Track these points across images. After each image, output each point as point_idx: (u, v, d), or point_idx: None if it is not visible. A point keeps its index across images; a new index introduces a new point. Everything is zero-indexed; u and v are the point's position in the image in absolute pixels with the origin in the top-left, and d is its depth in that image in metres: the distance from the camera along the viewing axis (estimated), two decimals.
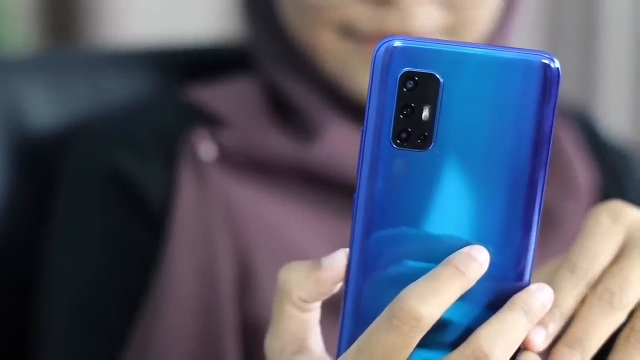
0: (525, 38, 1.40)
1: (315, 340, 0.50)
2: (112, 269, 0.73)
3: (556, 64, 0.47)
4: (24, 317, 0.82)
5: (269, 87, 0.78)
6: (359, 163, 0.47)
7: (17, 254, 0.81)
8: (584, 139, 0.84)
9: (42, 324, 0.75)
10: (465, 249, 0.47)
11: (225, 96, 0.77)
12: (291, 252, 0.72)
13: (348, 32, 0.72)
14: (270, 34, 0.77)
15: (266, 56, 0.77)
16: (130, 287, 0.72)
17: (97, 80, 0.85)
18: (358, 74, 0.73)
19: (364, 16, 0.71)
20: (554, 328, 0.50)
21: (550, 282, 0.52)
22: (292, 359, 0.49)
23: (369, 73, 0.47)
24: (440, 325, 0.47)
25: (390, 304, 0.46)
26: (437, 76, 0.47)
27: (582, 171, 0.80)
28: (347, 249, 0.49)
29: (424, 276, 0.46)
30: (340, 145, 0.74)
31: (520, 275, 0.48)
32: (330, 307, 0.70)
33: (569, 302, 0.51)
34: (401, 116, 0.47)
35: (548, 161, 0.48)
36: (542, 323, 0.49)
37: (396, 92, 0.47)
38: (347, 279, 0.48)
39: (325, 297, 0.49)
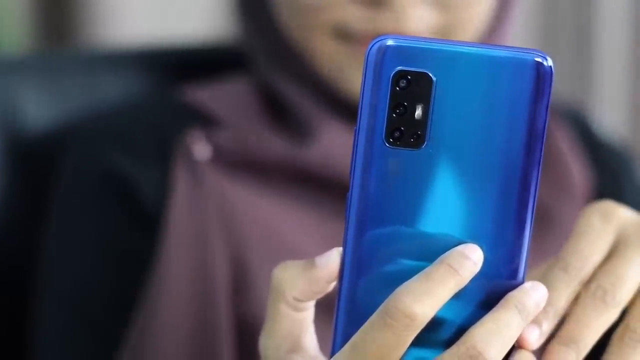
0: (520, 37, 1.40)
1: (310, 339, 0.50)
2: (108, 268, 0.73)
3: (549, 62, 0.47)
4: (20, 318, 0.82)
5: (264, 87, 0.78)
6: (352, 162, 0.47)
7: (13, 254, 0.81)
8: (578, 138, 0.84)
9: (39, 324, 0.75)
10: (458, 248, 0.47)
11: (220, 96, 0.77)
12: (285, 251, 0.72)
13: (342, 33, 0.72)
14: (264, 35, 0.77)
15: (260, 57, 0.77)
16: (126, 287, 0.72)
17: (92, 81, 0.85)
18: (352, 75, 0.73)
19: (357, 17, 0.71)
20: (547, 326, 0.50)
21: (543, 281, 0.52)
22: (286, 358, 0.49)
23: (362, 72, 0.47)
24: (434, 324, 0.48)
25: (384, 303, 0.46)
26: (430, 75, 0.47)
27: (576, 170, 0.80)
28: (341, 248, 0.49)
29: (418, 275, 0.46)
30: (334, 145, 0.74)
31: (514, 274, 0.48)
32: (325, 306, 0.70)
33: (563, 301, 0.51)
34: (394, 115, 0.47)
35: (541, 159, 0.48)
36: (536, 321, 0.50)
37: (389, 91, 0.47)
38: (341, 278, 0.48)
39: (319, 296, 0.49)
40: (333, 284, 0.49)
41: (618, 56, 1.35)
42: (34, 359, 0.76)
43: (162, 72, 0.87)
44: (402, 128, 0.47)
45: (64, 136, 0.82)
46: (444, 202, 0.47)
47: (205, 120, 0.76)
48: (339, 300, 0.48)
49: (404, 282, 0.46)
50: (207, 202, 0.72)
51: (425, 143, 0.47)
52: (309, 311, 0.50)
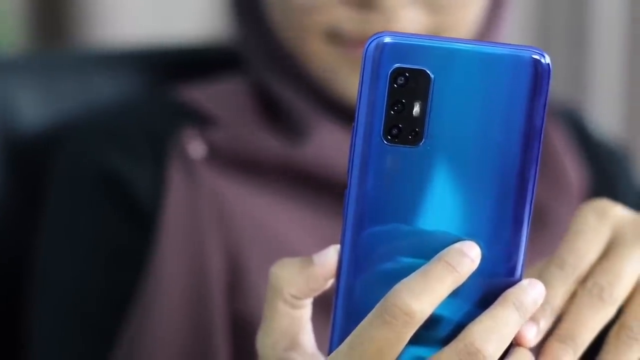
0: (514, 37, 1.40)
1: (307, 336, 0.50)
2: (103, 267, 0.73)
3: (547, 59, 0.47)
4: (15, 317, 0.82)
5: (258, 87, 0.78)
6: (350, 159, 0.47)
7: (7, 254, 0.81)
8: (574, 137, 0.84)
9: (33, 324, 0.75)
10: (456, 245, 0.47)
11: (215, 96, 0.77)
12: (281, 249, 0.72)
13: (334, 36, 0.72)
14: (258, 35, 0.77)
15: (255, 57, 0.77)
16: (121, 286, 0.72)
17: (86, 81, 0.84)
18: (345, 78, 0.73)
19: (348, 19, 0.71)
20: (545, 324, 0.51)
21: (540, 279, 0.52)
22: (284, 356, 0.49)
23: (360, 69, 0.47)
24: (432, 321, 0.47)
25: (382, 300, 0.46)
26: (428, 72, 0.47)
27: (572, 169, 0.80)
28: (339, 245, 0.48)
29: (416, 272, 0.46)
30: (329, 144, 0.74)
31: (511, 271, 0.48)
32: (322, 304, 0.70)
33: (559, 298, 0.51)
34: (392, 112, 0.47)
35: (539, 157, 0.48)
36: (533, 319, 0.50)
37: (387, 88, 0.47)
38: (338, 276, 0.48)
39: (316, 294, 0.49)
40: (331, 282, 0.49)
41: (613, 55, 1.35)
42: (30, 357, 0.76)
43: (157, 72, 0.87)
44: (400, 125, 0.47)
45: (58, 135, 0.82)
46: (442, 200, 0.47)
47: (200, 119, 0.76)
48: (336, 297, 0.48)
49: (401, 279, 0.46)
50: (202, 200, 0.72)
51: (423, 140, 0.47)
52: (306, 309, 0.50)
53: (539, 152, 0.48)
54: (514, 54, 0.47)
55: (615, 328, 0.52)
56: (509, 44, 0.47)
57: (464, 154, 0.47)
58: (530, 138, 0.47)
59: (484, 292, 0.48)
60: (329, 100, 0.76)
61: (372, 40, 0.47)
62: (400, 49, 0.46)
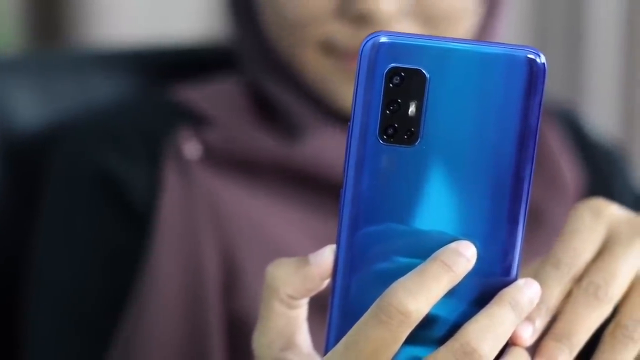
0: (511, 37, 1.40)
1: (303, 336, 0.50)
2: (99, 268, 0.73)
3: (542, 59, 0.47)
4: (11, 316, 0.82)
5: (254, 87, 0.78)
6: (345, 159, 0.47)
7: (4, 254, 0.81)
8: (570, 137, 0.84)
9: (30, 323, 0.75)
10: (452, 245, 0.47)
11: (211, 96, 0.77)
12: (276, 249, 0.72)
13: (328, 48, 0.72)
14: (254, 37, 0.77)
15: (250, 58, 0.77)
16: (117, 286, 0.72)
17: (82, 81, 0.84)
18: (340, 89, 0.73)
19: (342, 33, 0.71)
20: (541, 323, 0.51)
21: (535, 279, 0.52)
22: (280, 356, 0.49)
23: (355, 68, 0.47)
24: (428, 321, 0.47)
25: (378, 300, 0.46)
26: (424, 72, 0.47)
27: (568, 169, 0.81)
28: (334, 245, 0.48)
29: (412, 271, 0.46)
30: (324, 145, 0.74)
31: (507, 270, 0.48)
32: (318, 304, 0.70)
33: (555, 298, 0.51)
34: (388, 112, 0.47)
35: (534, 156, 0.48)
36: (529, 318, 0.50)
37: (382, 87, 0.47)
38: (334, 275, 0.48)
39: (312, 294, 0.49)
40: (327, 282, 0.49)
41: (610, 55, 1.35)
42: (26, 357, 0.76)
43: (153, 72, 0.87)
44: (396, 125, 0.47)
45: (55, 135, 0.82)
46: (438, 199, 0.47)
47: (195, 120, 0.76)
48: (332, 297, 0.48)
49: (397, 279, 0.46)
50: (197, 201, 0.72)
51: (419, 140, 0.47)
52: (302, 309, 0.50)
53: (534, 151, 0.48)
54: (510, 54, 0.47)
55: (610, 327, 0.52)
56: (505, 44, 0.47)
57: (459, 154, 0.47)
58: (526, 137, 0.47)
59: (480, 292, 0.48)
60: (324, 103, 0.76)
61: (368, 40, 0.47)
62: (396, 49, 0.46)
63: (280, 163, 0.74)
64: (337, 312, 0.48)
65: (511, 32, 1.39)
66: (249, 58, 0.78)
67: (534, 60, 0.47)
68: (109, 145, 0.74)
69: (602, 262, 0.52)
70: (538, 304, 0.51)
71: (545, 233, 0.78)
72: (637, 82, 1.35)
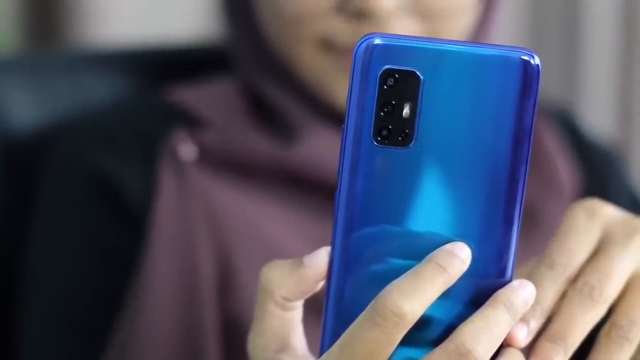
0: (507, 36, 1.40)
1: (298, 338, 0.50)
2: (94, 269, 0.73)
3: (536, 60, 0.47)
4: (7, 318, 0.82)
5: (249, 88, 0.78)
6: (340, 161, 0.47)
7: None
8: (566, 137, 0.84)
9: (25, 324, 0.75)
10: (447, 246, 0.47)
11: (206, 97, 0.77)
12: (271, 251, 0.72)
13: (326, 45, 0.72)
14: (249, 37, 0.77)
15: (245, 58, 0.77)
16: (112, 287, 0.72)
17: (78, 81, 0.84)
18: (337, 86, 0.73)
19: (341, 30, 0.71)
20: (535, 324, 0.51)
21: (530, 279, 0.52)
22: (275, 357, 0.49)
23: (350, 70, 0.47)
24: (423, 323, 0.47)
25: (373, 301, 0.46)
26: (418, 73, 0.47)
27: (563, 169, 0.81)
28: (329, 247, 0.48)
29: (406, 273, 0.46)
30: (320, 146, 0.74)
31: (502, 272, 0.48)
32: (313, 306, 0.70)
33: (549, 299, 0.51)
34: (382, 114, 0.47)
35: (529, 157, 0.48)
36: (524, 319, 0.50)
37: (377, 89, 0.47)
38: (329, 277, 0.48)
39: (307, 296, 0.49)
40: (321, 284, 0.49)
41: (606, 56, 1.35)
42: (22, 358, 0.76)
43: (149, 72, 0.87)
44: (390, 127, 0.47)
45: (50, 136, 0.82)
46: (432, 201, 0.47)
47: (191, 121, 0.76)
48: (327, 299, 0.48)
49: (392, 281, 0.46)
50: (192, 202, 0.72)
51: (413, 141, 0.47)
52: (297, 310, 0.50)
53: (528, 152, 0.48)
54: (504, 55, 0.47)
55: (606, 327, 0.52)
56: (499, 45, 0.47)
57: (453, 155, 0.47)
58: (520, 138, 0.47)
59: (475, 293, 0.48)
60: (320, 105, 0.76)
61: (362, 42, 0.47)
62: (390, 51, 0.46)
63: (275, 164, 0.74)
64: (332, 314, 0.48)
65: (507, 31, 1.39)
66: (244, 58, 0.78)
67: (528, 62, 0.47)
68: (104, 146, 0.74)
69: (597, 262, 0.52)
70: (533, 305, 0.51)
71: (540, 233, 0.78)
72: (633, 82, 1.35)
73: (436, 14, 0.71)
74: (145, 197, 0.73)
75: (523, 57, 0.47)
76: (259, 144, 0.74)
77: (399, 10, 0.70)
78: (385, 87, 0.47)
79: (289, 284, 0.49)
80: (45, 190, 0.76)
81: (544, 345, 0.50)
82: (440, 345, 0.46)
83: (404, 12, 0.71)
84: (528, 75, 0.47)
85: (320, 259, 0.49)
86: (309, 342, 0.65)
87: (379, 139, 0.47)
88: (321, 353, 0.49)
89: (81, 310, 0.72)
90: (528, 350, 0.51)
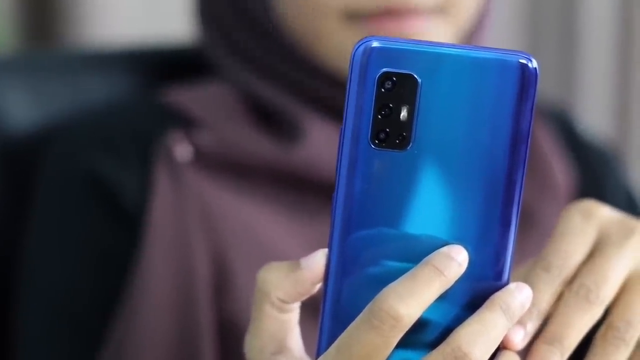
0: (505, 36, 1.40)
1: (295, 340, 0.50)
2: (89, 270, 0.73)
3: (534, 63, 0.47)
4: (3, 318, 0.82)
5: (246, 88, 0.78)
6: (337, 163, 0.47)
7: None
8: (562, 139, 0.84)
9: (21, 324, 0.75)
10: (444, 249, 0.47)
11: (202, 98, 0.77)
12: (268, 252, 0.72)
13: (350, 14, 0.72)
14: (249, 33, 0.77)
15: (243, 59, 0.77)
16: (108, 288, 0.72)
17: (75, 82, 0.84)
18: None
19: None
20: (532, 327, 0.51)
21: (526, 282, 0.52)
22: (271, 359, 0.49)
23: (347, 73, 0.47)
24: (420, 325, 0.48)
25: (370, 304, 0.46)
26: (415, 76, 0.47)
27: (559, 170, 0.81)
28: (326, 249, 0.49)
29: (403, 276, 0.46)
30: (322, 146, 0.74)
31: (499, 275, 0.48)
32: (310, 308, 0.70)
33: (546, 301, 0.52)
34: (379, 116, 0.47)
35: (526, 161, 0.48)
36: (520, 322, 0.50)
37: (374, 92, 0.47)
38: (326, 279, 0.48)
39: (304, 298, 0.49)
40: (318, 286, 0.49)
41: (603, 57, 1.35)
42: (17, 358, 0.76)
43: (147, 72, 0.86)
44: (388, 129, 0.47)
45: (47, 136, 0.82)
46: (429, 204, 0.47)
47: (186, 122, 0.76)
48: (324, 301, 0.48)
49: (389, 283, 0.46)
50: (188, 203, 0.72)
51: (411, 144, 0.47)
52: (294, 312, 0.50)
53: (526, 155, 0.48)
54: (501, 59, 0.47)
55: (602, 329, 0.52)
56: (496, 49, 0.48)
57: (451, 158, 0.47)
58: (518, 142, 0.47)
59: (472, 296, 0.48)
60: (322, 100, 0.75)
61: (360, 45, 0.47)
62: (387, 54, 0.47)
63: (272, 166, 0.74)
64: (329, 316, 0.48)
65: (504, 32, 1.39)
66: (240, 57, 0.77)
67: (525, 65, 0.47)
68: (100, 147, 0.74)
69: (593, 264, 0.53)
70: (529, 308, 0.51)
71: (536, 234, 0.78)
72: (630, 83, 1.35)
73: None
74: (141, 197, 0.73)
75: (521, 61, 0.47)
76: (255, 145, 0.74)
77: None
78: (382, 90, 0.47)
79: (286, 286, 0.49)
80: (41, 190, 0.76)
81: (540, 348, 0.50)
82: (437, 348, 0.47)
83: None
84: (526, 79, 0.47)
85: (317, 260, 0.49)
86: (306, 344, 0.65)
87: (376, 142, 0.47)
88: (318, 355, 0.49)
89: (77, 311, 0.72)
90: (525, 352, 0.51)
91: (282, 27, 0.75)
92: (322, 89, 0.75)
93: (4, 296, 0.81)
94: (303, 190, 0.74)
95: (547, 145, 0.81)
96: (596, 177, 0.84)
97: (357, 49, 0.47)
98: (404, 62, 0.47)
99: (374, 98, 0.47)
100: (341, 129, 0.47)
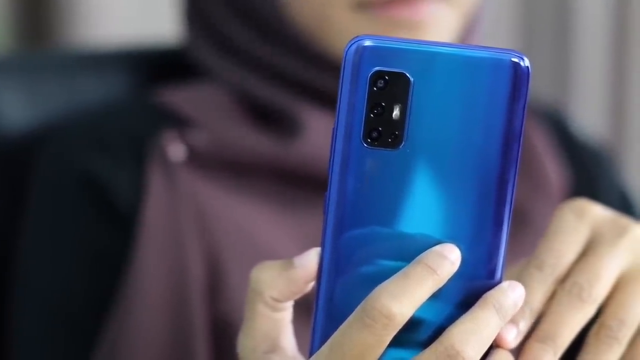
0: (499, 36, 1.40)
1: (288, 339, 0.50)
2: (83, 270, 0.73)
3: (526, 62, 0.47)
4: None
5: (240, 87, 0.77)
6: (330, 162, 0.48)
7: None
8: (556, 138, 0.85)
9: (15, 325, 0.75)
10: (436, 248, 0.47)
11: (196, 97, 0.77)
12: (261, 251, 0.72)
13: (361, 3, 0.71)
14: (249, 29, 0.77)
15: (233, 55, 0.77)
16: (101, 288, 0.72)
17: (70, 82, 0.84)
18: None
19: None
20: (524, 325, 0.51)
21: (519, 280, 0.52)
22: (264, 358, 0.49)
23: (340, 72, 0.48)
24: (413, 324, 0.48)
25: (362, 303, 0.46)
26: (408, 75, 0.47)
27: (553, 170, 0.81)
28: (319, 248, 0.49)
29: (396, 275, 0.47)
30: (320, 140, 0.74)
31: (491, 273, 0.48)
32: (303, 307, 0.70)
33: (538, 299, 0.52)
34: (372, 115, 0.47)
35: (518, 159, 0.48)
36: (513, 320, 0.50)
37: (367, 91, 0.47)
38: (319, 278, 0.48)
39: (297, 297, 0.49)
40: (311, 285, 0.49)
41: (598, 55, 1.35)
42: (12, 358, 0.76)
43: (142, 72, 0.86)
44: (380, 128, 0.47)
45: (42, 136, 0.82)
46: (422, 202, 0.47)
47: (180, 122, 0.76)
48: (317, 300, 0.49)
49: (382, 282, 0.47)
50: (182, 203, 0.72)
51: (403, 143, 0.47)
52: (287, 311, 0.50)
53: (518, 154, 0.48)
54: (494, 57, 0.47)
55: (594, 328, 0.52)
56: (489, 47, 0.48)
57: (443, 157, 0.47)
58: (510, 140, 0.48)
59: (464, 295, 0.48)
60: (319, 96, 0.75)
61: (352, 44, 0.47)
62: (380, 52, 0.47)
63: (269, 163, 0.74)
64: (322, 314, 0.48)
65: (498, 31, 1.39)
66: (233, 55, 0.77)
67: (518, 64, 0.47)
68: (94, 147, 0.74)
69: (586, 262, 0.53)
70: (522, 306, 0.51)
71: (529, 233, 0.78)
72: (625, 82, 1.35)
73: None
74: (135, 197, 0.73)
75: (513, 59, 0.47)
76: (251, 143, 0.74)
77: None
78: (375, 88, 0.47)
79: (279, 285, 0.49)
80: (35, 190, 0.76)
81: (533, 346, 0.50)
82: (430, 347, 0.47)
83: None
84: (518, 78, 0.47)
85: (310, 259, 0.49)
86: (299, 343, 0.65)
87: (369, 140, 0.47)
88: (311, 354, 0.49)
89: (71, 311, 0.72)
90: (518, 351, 0.51)
91: (285, 16, 0.75)
92: (324, 80, 0.75)
93: (0, 296, 0.81)
94: (300, 187, 0.74)
95: (540, 145, 0.81)
96: (590, 176, 0.84)
97: (349, 48, 0.47)
98: (397, 60, 0.47)
99: (366, 97, 0.47)
100: (333, 127, 0.47)
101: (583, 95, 1.37)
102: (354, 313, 0.46)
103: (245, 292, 0.70)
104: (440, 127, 0.47)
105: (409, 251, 0.47)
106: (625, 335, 0.52)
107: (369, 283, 0.47)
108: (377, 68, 0.47)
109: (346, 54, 0.47)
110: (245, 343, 0.50)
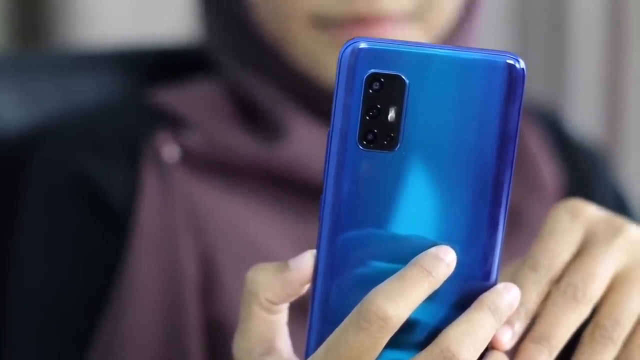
0: (493, 36, 1.40)
1: (284, 341, 0.50)
2: (77, 270, 0.73)
3: (521, 64, 0.47)
4: None
5: (232, 87, 0.78)
6: (325, 164, 0.48)
7: None
8: (550, 139, 0.85)
9: (9, 326, 0.75)
10: (432, 250, 0.47)
11: (189, 98, 0.77)
12: (256, 253, 0.72)
13: (319, 20, 0.72)
14: (233, 31, 0.77)
15: (229, 55, 0.77)
16: (95, 289, 0.72)
17: (65, 82, 0.84)
18: (330, 63, 0.73)
19: (332, 4, 0.71)
20: (520, 326, 0.51)
21: (513, 281, 0.52)
22: None
23: (335, 74, 0.48)
24: (408, 326, 0.48)
25: (358, 305, 0.46)
26: (403, 77, 0.47)
27: (548, 171, 0.81)
28: (315, 250, 0.49)
29: (392, 277, 0.47)
30: (306, 146, 0.74)
31: (487, 275, 0.48)
32: (299, 309, 0.70)
33: (533, 300, 0.52)
34: (367, 117, 0.47)
35: (514, 161, 0.48)
36: (508, 322, 0.50)
37: (362, 93, 0.47)
38: (314, 280, 0.48)
39: (292, 299, 0.49)
40: (307, 287, 0.49)
41: (593, 56, 1.35)
42: (6, 358, 0.76)
43: (137, 73, 0.86)
44: (375, 130, 0.47)
45: (36, 137, 0.82)
46: (418, 205, 0.47)
47: (173, 122, 0.76)
48: (312, 302, 0.49)
49: (377, 284, 0.47)
50: (175, 203, 0.72)
51: (399, 145, 0.47)
52: (282, 313, 0.50)
53: (513, 156, 0.48)
54: (489, 59, 0.47)
55: (589, 328, 0.52)
56: (484, 49, 0.48)
57: (439, 159, 0.47)
58: (505, 142, 0.48)
59: (460, 296, 0.48)
60: (307, 97, 0.75)
61: (348, 46, 0.47)
62: (375, 55, 0.47)
63: (260, 165, 0.74)
64: (318, 317, 0.48)
65: (493, 32, 1.39)
66: (226, 54, 0.77)
67: (513, 66, 0.47)
68: (87, 149, 0.74)
69: (580, 263, 0.53)
70: (517, 307, 0.51)
71: (524, 234, 0.78)
72: (620, 83, 1.35)
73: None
74: (129, 198, 0.73)
75: (508, 61, 0.47)
76: (243, 145, 0.74)
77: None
78: (370, 91, 0.47)
79: (275, 287, 0.49)
80: (29, 192, 0.76)
81: (528, 347, 0.50)
82: (426, 349, 0.47)
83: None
84: (513, 79, 0.47)
85: (305, 261, 0.49)
86: (295, 345, 0.65)
87: (364, 143, 0.47)
88: (306, 356, 0.49)
89: (65, 311, 0.72)
90: (513, 352, 0.51)
91: (260, 26, 0.75)
92: (298, 90, 0.75)
93: None
94: (291, 190, 0.74)
95: (535, 146, 0.81)
96: (585, 177, 0.84)
97: (344, 50, 0.47)
98: (392, 63, 0.47)
99: (361, 99, 0.47)
100: (329, 130, 0.47)
101: (578, 96, 1.37)
102: (349, 315, 0.46)
103: (239, 293, 0.70)
104: (435, 129, 0.47)
105: (405, 253, 0.47)
106: (620, 335, 0.52)
107: (365, 285, 0.47)
108: (372, 70, 0.47)
109: (341, 56, 0.47)
110: (241, 345, 0.50)
